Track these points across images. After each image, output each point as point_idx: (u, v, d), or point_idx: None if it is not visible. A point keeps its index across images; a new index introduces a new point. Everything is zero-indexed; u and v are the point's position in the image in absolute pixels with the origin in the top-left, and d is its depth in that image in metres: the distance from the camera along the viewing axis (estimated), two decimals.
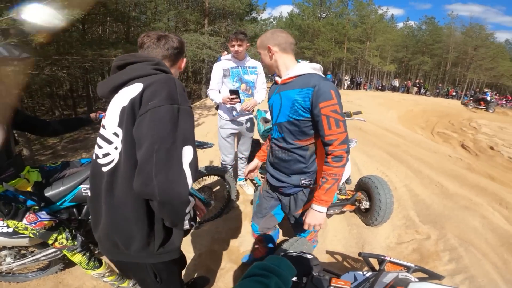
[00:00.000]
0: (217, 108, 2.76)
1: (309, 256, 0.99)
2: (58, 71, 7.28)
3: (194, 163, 0.81)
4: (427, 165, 4.26)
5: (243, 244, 2.38)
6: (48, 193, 1.60)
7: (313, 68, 1.35)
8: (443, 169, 4.13)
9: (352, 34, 25.45)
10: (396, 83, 23.40)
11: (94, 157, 0.95)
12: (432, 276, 1.34)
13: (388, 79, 28.47)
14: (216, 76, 2.49)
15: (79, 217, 1.74)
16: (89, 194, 0.99)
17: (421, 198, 3.18)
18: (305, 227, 1.37)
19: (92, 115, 1.98)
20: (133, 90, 0.84)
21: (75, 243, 1.57)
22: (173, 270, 1.14)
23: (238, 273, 2.07)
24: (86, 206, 1.74)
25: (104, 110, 2.12)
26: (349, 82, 23.87)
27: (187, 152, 0.80)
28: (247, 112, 2.65)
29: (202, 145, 2.27)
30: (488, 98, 14.94)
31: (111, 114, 0.88)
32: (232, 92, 2.28)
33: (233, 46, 2.36)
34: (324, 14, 27.69)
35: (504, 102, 16.93)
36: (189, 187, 0.78)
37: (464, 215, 2.86)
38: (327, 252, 2.30)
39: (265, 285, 0.58)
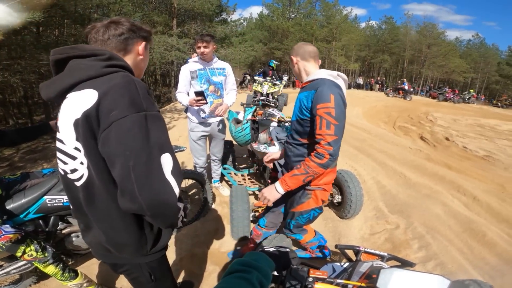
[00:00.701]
0: (186, 111, 2.75)
1: (285, 249, 1.04)
2: (11, 77, 6.67)
3: (176, 170, 0.77)
4: (391, 158, 4.56)
5: (223, 246, 2.40)
6: (10, 205, 1.54)
7: (329, 74, 1.44)
8: (405, 161, 4.45)
9: (319, 34, 26.40)
10: (360, 81, 24.65)
11: (62, 173, 0.86)
12: (404, 263, 1.45)
13: (353, 77, 29.91)
14: (184, 79, 2.49)
15: (47, 229, 1.69)
16: (70, 206, 0.94)
17: (388, 189, 3.40)
18: (259, 195, 1.51)
19: (52, 122, 1.86)
20: (86, 100, 0.72)
21: (46, 254, 1.55)
22: (166, 268, 1.14)
23: (222, 274, 2.09)
24: (53, 217, 1.70)
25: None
26: None
27: (166, 160, 0.74)
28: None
29: (174, 149, 2.25)
30: (406, 87, 17.14)
31: (65, 126, 0.77)
32: (198, 93, 2.28)
33: (199, 48, 2.36)
34: (293, 15, 28.36)
35: (452, 96, 18.70)
36: (177, 195, 0.75)
37: (427, 203, 3.07)
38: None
39: (247, 280, 0.60)
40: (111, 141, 0.70)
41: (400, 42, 32.16)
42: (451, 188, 3.54)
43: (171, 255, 2.22)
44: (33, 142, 10.44)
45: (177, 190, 0.75)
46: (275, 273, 0.89)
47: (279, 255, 1.00)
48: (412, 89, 17.95)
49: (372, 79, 26.24)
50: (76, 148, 0.78)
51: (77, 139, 0.76)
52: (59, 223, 1.75)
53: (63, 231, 1.75)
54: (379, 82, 23.75)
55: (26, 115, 14.99)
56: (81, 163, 0.79)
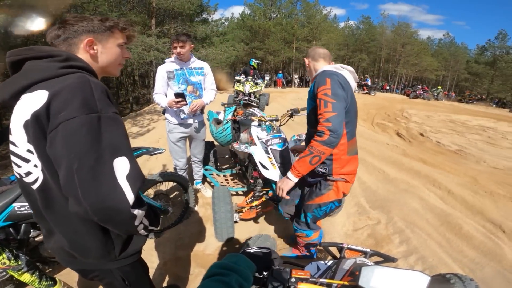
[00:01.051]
0: (164, 113, 2.69)
1: (266, 250, 1.03)
2: None
3: (133, 174, 0.73)
4: (370, 154, 4.70)
5: (208, 248, 2.38)
6: None
7: (331, 67, 1.60)
8: (383, 156, 4.60)
9: (300, 34, 26.78)
10: (369, 81, 25.37)
11: (18, 176, 0.83)
12: (386, 259, 1.48)
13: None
14: (160, 79, 2.43)
15: (18, 237, 1.63)
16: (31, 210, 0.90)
17: (368, 185, 3.50)
18: (276, 188, 1.60)
19: None
20: (36, 101, 0.70)
21: (19, 262, 1.52)
22: (141, 272, 1.10)
23: None
24: (24, 225, 1.64)
25: None
26: (298, 80, 25.01)
27: (121, 164, 0.71)
28: (196, 114, 2.62)
29: (152, 151, 2.21)
30: (369, 83, 18.48)
31: (16, 128, 0.74)
32: (178, 95, 2.23)
33: (175, 48, 2.32)
34: (275, 15, 28.57)
35: (421, 92, 19.71)
36: (129, 201, 0.71)
37: (405, 198, 3.16)
38: (291, 246, 2.39)
39: (226, 283, 0.59)
40: (57, 143, 0.68)
41: (376, 42, 33.28)
42: (427, 182, 3.67)
43: (154, 259, 2.18)
44: (3, 147, 9.82)
45: (131, 196, 0.71)
46: (257, 274, 0.88)
47: (261, 256, 0.99)
48: (375, 85, 19.43)
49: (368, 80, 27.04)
50: (28, 151, 0.75)
51: (28, 141, 0.74)
52: (31, 230, 1.68)
53: (36, 239, 1.70)
54: (358, 81, 24.46)
55: None
56: (35, 165, 0.76)
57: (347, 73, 1.60)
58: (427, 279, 0.71)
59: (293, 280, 0.81)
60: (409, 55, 30.83)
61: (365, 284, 0.74)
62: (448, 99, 22.56)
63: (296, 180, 1.51)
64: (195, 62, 2.51)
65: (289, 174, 1.52)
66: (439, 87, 22.00)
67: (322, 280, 0.87)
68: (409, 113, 10.76)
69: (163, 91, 2.47)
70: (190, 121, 2.61)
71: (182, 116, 2.54)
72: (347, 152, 1.56)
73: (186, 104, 2.30)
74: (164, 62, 2.50)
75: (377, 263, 1.52)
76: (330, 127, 1.34)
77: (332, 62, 1.71)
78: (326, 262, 1.24)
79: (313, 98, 1.52)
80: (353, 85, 1.61)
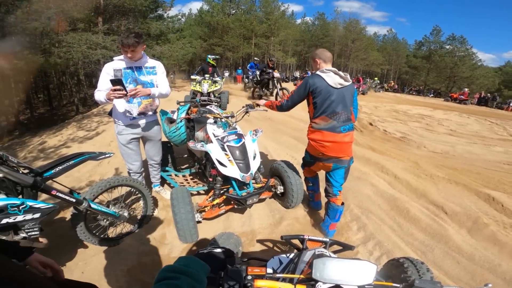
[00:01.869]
0: (110, 114, 2.49)
1: (219, 250, 1.02)
2: None
3: None
4: None
5: (173, 251, 2.31)
6: None
7: (320, 71, 2.21)
8: None
9: (258, 30, 27.02)
10: (297, 74, 26.23)
11: None
12: (345, 247, 1.57)
13: (291, 71, 31.50)
14: (105, 77, 2.23)
15: None
16: None
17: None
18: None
19: None
20: None
21: None
22: None
23: None
24: None
25: None
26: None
27: None
28: (147, 114, 2.46)
29: (97, 156, 2.09)
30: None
31: None
32: (114, 81, 1.97)
33: (126, 52, 2.16)
34: (233, 11, 28.34)
35: (358, 85, 21.60)
36: None
37: (358, 185, 3.34)
38: (257, 241, 2.43)
39: (176, 287, 0.58)
40: None
41: (330, 37, 35.07)
42: (376, 169, 3.90)
43: (117, 267, 2.06)
44: None
45: None
46: (213, 275, 0.87)
47: (215, 256, 0.98)
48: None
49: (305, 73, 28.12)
50: None
51: None
52: None
53: None
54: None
55: None
56: None
57: (330, 73, 2.17)
58: (374, 268, 0.77)
59: (249, 277, 0.81)
60: (358, 50, 33.14)
61: (318, 277, 0.77)
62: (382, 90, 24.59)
63: (263, 104, 2.56)
64: (148, 62, 2.36)
65: (263, 102, 2.57)
66: (376, 78, 23.00)
67: (280, 275, 0.88)
68: (360, 105, 11.57)
69: (106, 90, 2.23)
70: (140, 121, 2.45)
71: (130, 116, 2.37)
72: (311, 125, 2.30)
73: (126, 94, 2.04)
74: (112, 60, 2.30)
75: (336, 252, 1.61)
76: (283, 102, 2.35)
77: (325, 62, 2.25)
78: (288, 255, 1.26)
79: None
80: (335, 82, 2.15)
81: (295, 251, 1.64)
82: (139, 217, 2.54)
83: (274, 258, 1.24)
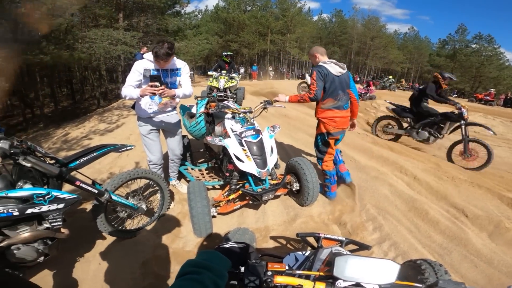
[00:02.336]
0: (133, 107, 2.57)
1: (241, 245, 1.02)
2: None
3: None
4: (342, 143, 4.82)
5: (187, 244, 2.34)
6: None
7: (323, 62, 2.64)
8: (354, 145, 4.75)
9: (274, 27, 26.85)
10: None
11: None
12: (361, 247, 1.53)
13: (307, 68, 31.10)
14: (135, 74, 2.29)
15: None
16: None
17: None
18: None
19: None
20: None
21: None
22: None
23: None
24: None
25: None
26: (273, 73, 25.14)
27: None
28: (167, 109, 2.52)
29: (120, 148, 2.12)
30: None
31: None
32: (154, 77, 2.08)
33: (158, 62, 2.21)
34: (249, 8, 28.32)
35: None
36: None
37: (375, 185, 3.25)
38: (271, 237, 2.42)
39: (199, 282, 0.58)
40: None
41: (348, 35, 34.30)
42: (394, 169, 3.79)
43: (132, 258, 2.11)
44: None
45: None
46: (233, 270, 0.87)
47: (236, 251, 0.98)
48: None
49: None
50: None
51: None
52: None
53: (1, 244, 1.57)
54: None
55: None
56: None
57: (332, 64, 2.62)
58: (397, 267, 0.75)
59: (269, 273, 0.81)
60: (377, 48, 32.23)
61: (339, 274, 0.76)
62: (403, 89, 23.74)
63: (286, 100, 2.70)
64: (173, 64, 2.40)
65: (286, 98, 2.69)
66: (390, 77, 21.94)
67: (299, 272, 0.88)
68: (378, 104, 11.27)
69: (135, 86, 2.32)
70: (159, 116, 2.51)
71: (150, 110, 2.43)
72: (320, 107, 2.71)
73: (163, 88, 2.15)
74: (137, 55, 2.38)
75: (352, 251, 1.58)
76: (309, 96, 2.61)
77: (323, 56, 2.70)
78: (303, 253, 1.26)
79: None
80: (337, 71, 2.62)
81: (309, 248, 1.63)
82: (155, 210, 2.58)
83: (290, 255, 1.24)
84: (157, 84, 2.07)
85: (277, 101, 2.72)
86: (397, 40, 39.71)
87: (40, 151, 1.75)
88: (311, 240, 1.67)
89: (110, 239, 2.31)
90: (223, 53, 8.27)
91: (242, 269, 0.81)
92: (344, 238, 1.53)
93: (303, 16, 30.41)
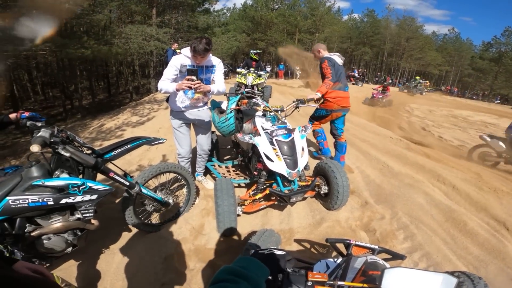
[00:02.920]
0: (167, 101, 2.62)
1: (280, 252, 0.97)
2: None
3: None
4: (373, 147, 4.62)
5: (210, 242, 2.32)
6: None
7: (328, 54, 3.37)
8: (386, 150, 4.52)
9: (302, 26, 26.45)
10: (357, 73, 25.18)
11: None
12: (395, 256, 1.43)
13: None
14: (173, 68, 2.32)
15: (13, 232, 1.53)
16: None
17: (372, 179, 3.42)
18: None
19: (12, 115, 1.72)
20: None
21: None
22: None
23: (209, 272, 2.02)
24: (19, 220, 1.54)
25: (30, 110, 1.84)
26: (300, 72, 24.76)
27: None
28: (199, 105, 2.54)
29: (153, 141, 2.13)
30: (356, 75, 19.63)
31: None
32: (192, 71, 2.09)
33: (195, 58, 2.23)
34: (277, 6, 28.17)
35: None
36: None
37: (409, 192, 3.08)
38: (295, 240, 2.35)
39: None
40: None
41: (380, 35, 32.86)
42: (431, 177, 3.58)
43: (155, 253, 2.13)
44: (1, 137, 9.79)
45: None
46: (270, 277, 0.83)
47: (275, 258, 0.93)
48: (359, 76, 20.43)
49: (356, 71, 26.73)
50: None
51: None
52: (27, 225, 1.59)
53: (32, 234, 1.59)
54: (360, 74, 24.27)
55: None
56: None
57: (336, 56, 3.36)
58: (454, 281, 0.66)
59: (309, 283, 0.75)
60: (413, 49, 30.53)
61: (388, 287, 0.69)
62: (451, 94, 22.24)
63: (318, 95, 3.11)
64: (209, 60, 2.41)
65: (317, 94, 3.11)
66: (417, 78, 20.14)
67: (339, 283, 0.81)
68: (411, 107, 10.70)
69: (171, 80, 2.36)
70: (192, 110, 2.54)
71: (182, 104, 2.46)
72: (331, 88, 3.23)
73: (199, 82, 2.14)
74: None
75: (384, 260, 1.48)
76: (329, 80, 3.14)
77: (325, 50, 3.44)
78: (335, 260, 1.21)
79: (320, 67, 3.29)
80: (340, 61, 3.35)
81: (334, 254, 1.54)
82: (181, 205, 2.59)
83: (321, 262, 1.20)
84: (194, 78, 2.08)
85: (312, 99, 2.66)
86: (435, 41, 37.35)
87: (78, 141, 1.79)
88: (341, 246, 1.58)
89: (135, 232, 2.35)
90: (251, 51, 8.28)
91: (280, 277, 0.76)
92: (376, 247, 1.43)
93: (332, 15, 29.59)
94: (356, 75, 19.81)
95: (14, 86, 13.54)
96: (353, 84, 18.63)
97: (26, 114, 1.77)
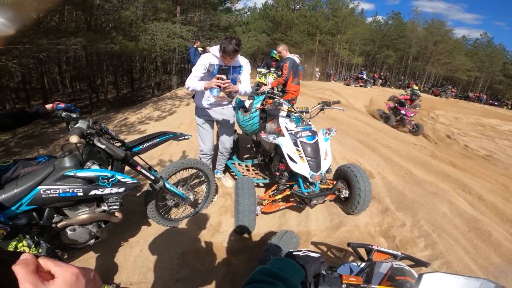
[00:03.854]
0: (193, 97, 2.66)
1: (315, 254, 0.97)
2: (8, 61, 6.54)
3: None
4: (396, 153, 4.49)
5: (226, 240, 2.34)
6: (1, 196, 1.41)
7: (290, 55, 4.38)
8: (410, 157, 4.38)
9: (324, 27, 26.04)
10: (365, 75, 24.55)
11: None
12: (418, 263, 1.40)
13: (356, 71, 29.61)
14: (201, 67, 2.35)
15: (41, 222, 1.55)
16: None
17: (394, 185, 3.33)
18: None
19: (48, 106, 1.75)
20: None
21: (39, 250, 1.40)
22: None
23: (225, 270, 2.03)
24: (47, 209, 1.56)
25: (62, 101, 1.89)
26: (319, 74, 24.45)
27: None
28: (224, 103, 2.56)
29: (179, 137, 2.14)
30: (364, 76, 18.86)
31: None
32: (222, 70, 2.08)
33: (224, 58, 2.24)
34: (298, 6, 27.94)
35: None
36: None
37: (433, 201, 3.00)
38: (312, 243, 2.33)
39: None
40: None
41: (406, 38, 31.71)
42: (456, 187, 3.49)
43: (173, 248, 2.16)
44: (29, 127, 10.34)
45: None
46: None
47: (310, 261, 0.93)
48: (368, 78, 19.77)
49: (376, 74, 26.01)
50: None
51: None
52: (55, 215, 1.62)
53: (59, 224, 1.62)
54: (382, 77, 23.57)
55: (23, 100, 14.83)
56: None
57: (296, 57, 4.32)
58: (492, 287, 0.65)
59: (344, 286, 0.75)
60: (441, 53, 29.21)
61: None
62: (479, 102, 21.10)
63: (270, 87, 4.34)
64: (238, 60, 2.42)
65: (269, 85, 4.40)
66: (415, 87, 19.21)
67: (374, 286, 0.81)
68: (436, 114, 10.28)
69: (199, 78, 2.38)
70: (216, 108, 2.57)
71: (208, 102, 2.50)
72: (290, 83, 4.31)
73: (228, 82, 2.13)
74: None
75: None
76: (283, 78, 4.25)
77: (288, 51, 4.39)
78: (358, 264, 1.20)
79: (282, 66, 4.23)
80: (298, 61, 4.33)
81: (350, 258, 1.52)
82: (200, 201, 2.61)
83: (345, 265, 1.19)
84: (223, 77, 2.07)
85: (337, 102, 2.64)
86: (465, 46, 35.55)
87: (110, 133, 1.82)
88: (361, 251, 1.56)
89: (154, 226, 2.38)
90: (272, 50, 8.25)
91: (314, 280, 0.77)
92: (399, 253, 1.40)
93: (355, 17, 28.88)
94: (365, 77, 19.31)
95: (45, 79, 14.32)
96: (360, 86, 18.06)
97: (62, 105, 1.81)
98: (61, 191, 1.51)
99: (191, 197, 2.35)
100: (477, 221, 2.69)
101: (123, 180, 1.67)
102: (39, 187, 1.48)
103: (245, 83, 2.48)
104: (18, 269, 0.34)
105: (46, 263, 0.39)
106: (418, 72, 32.46)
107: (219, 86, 2.11)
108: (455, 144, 6.73)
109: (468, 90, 33.06)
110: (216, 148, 2.99)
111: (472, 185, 3.48)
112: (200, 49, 8.33)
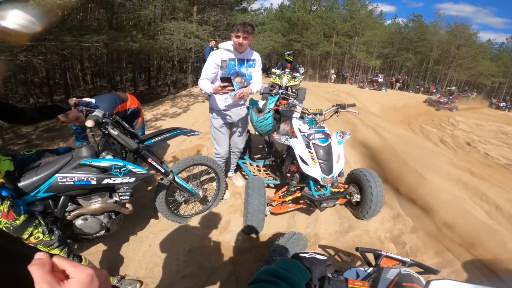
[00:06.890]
0: (208, 99, 2.66)
1: (322, 257, 0.96)
2: (34, 57, 6.84)
3: None
4: (412, 159, 4.38)
5: (234, 239, 2.35)
6: (21, 183, 1.48)
7: None
8: (426, 163, 4.26)
9: (341, 29, 25.60)
10: (381, 78, 23.96)
11: None
12: (427, 270, 1.37)
13: (373, 73, 28.96)
14: (212, 65, 2.29)
15: (55, 210, 1.63)
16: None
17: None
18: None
19: (71, 101, 1.83)
20: None
21: (52, 237, 1.47)
22: None
23: (230, 268, 2.05)
24: (62, 198, 1.64)
25: (83, 97, 1.97)
26: (335, 76, 24.08)
27: None
28: (241, 103, 2.56)
29: (189, 132, 2.18)
30: (380, 80, 18.45)
31: None
32: (224, 79, 2.10)
33: (238, 37, 2.17)
34: (315, 8, 27.65)
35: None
36: None
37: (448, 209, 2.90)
38: (320, 246, 2.31)
39: None
40: None
41: (427, 41, 30.60)
42: (474, 195, 3.40)
43: (181, 244, 2.19)
44: (51, 120, 10.79)
45: None
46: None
47: (317, 263, 0.92)
48: (383, 81, 19.41)
49: (393, 78, 25.28)
50: None
51: None
52: (69, 204, 1.69)
53: (72, 213, 1.69)
54: (400, 81, 22.88)
55: (46, 94, 15.48)
56: None
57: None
58: None
59: None
60: (464, 57, 27.94)
61: None
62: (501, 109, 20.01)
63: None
64: (249, 53, 2.39)
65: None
66: (453, 88, 18.05)
67: None
68: (456, 120, 9.91)
69: (210, 78, 2.34)
70: (233, 109, 2.55)
71: (225, 103, 2.47)
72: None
73: (233, 89, 2.14)
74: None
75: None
76: None
77: None
78: (365, 269, 1.19)
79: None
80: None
81: (357, 263, 1.49)
82: (209, 199, 2.63)
83: (351, 270, 1.18)
84: (228, 84, 2.08)
85: (352, 105, 2.59)
86: (490, 50, 33.93)
87: (125, 125, 1.87)
88: (369, 256, 1.54)
89: (164, 222, 2.41)
90: (286, 52, 8.21)
91: (320, 283, 0.77)
92: (408, 260, 1.38)
93: (373, 19, 28.15)
94: (380, 79, 18.94)
95: (68, 75, 14.91)
96: (375, 89, 17.73)
97: (83, 101, 1.88)
98: (76, 179, 1.58)
99: (200, 193, 2.37)
100: (492, 231, 2.63)
101: (134, 170, 1.73)
102: (57, 174, 1.55)
103: (256, 81, 2.46)
104: (35, 270, 0.35)
105: (62, 263, 0.39)
106: (439, 76, 31.32)
107: (226, 93, 2.13)
108: (474, 152, 6.47)
109: (491, 96, 31.53)
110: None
111: (490, 194, 3.38)
112: (215, 48, 8.45)
